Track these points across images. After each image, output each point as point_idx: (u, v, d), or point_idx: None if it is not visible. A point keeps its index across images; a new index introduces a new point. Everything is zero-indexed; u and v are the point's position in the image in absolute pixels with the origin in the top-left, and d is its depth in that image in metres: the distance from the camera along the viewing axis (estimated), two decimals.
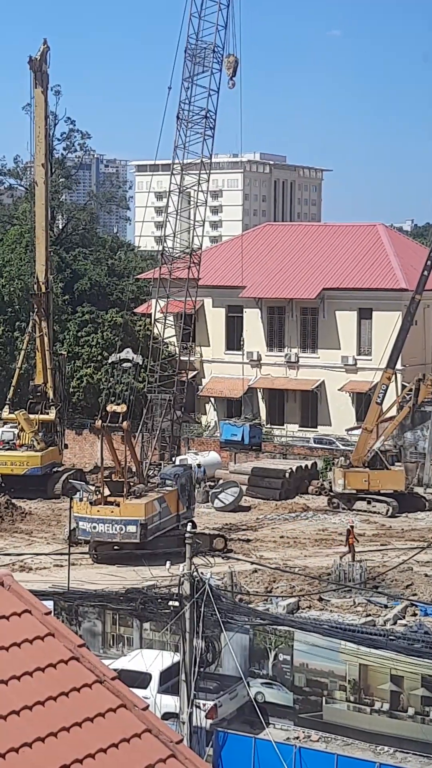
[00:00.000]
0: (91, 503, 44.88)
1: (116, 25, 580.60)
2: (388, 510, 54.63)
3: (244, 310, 74.32)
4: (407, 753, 27.59)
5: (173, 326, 57.78)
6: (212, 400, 74.36)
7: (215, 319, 75.07)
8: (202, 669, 26.57)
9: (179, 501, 47.14)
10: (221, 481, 58.41)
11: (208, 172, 52.89)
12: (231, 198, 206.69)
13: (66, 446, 62.47)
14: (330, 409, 71.34)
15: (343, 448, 63.44)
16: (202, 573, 26.73)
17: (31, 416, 58.88)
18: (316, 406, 72.06)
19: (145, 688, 27.75)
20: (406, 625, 35.14)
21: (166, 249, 53.95)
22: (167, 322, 55.53)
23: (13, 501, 54.57)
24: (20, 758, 10.51)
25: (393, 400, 58.20)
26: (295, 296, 72.21)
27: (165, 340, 56.65)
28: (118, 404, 47.05)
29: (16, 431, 59.13)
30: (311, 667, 29.13)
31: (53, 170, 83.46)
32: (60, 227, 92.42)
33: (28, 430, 58.54)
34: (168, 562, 34.38)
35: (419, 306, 57.55)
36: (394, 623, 35.58)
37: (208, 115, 52.15)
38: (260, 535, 50.38)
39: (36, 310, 60.22)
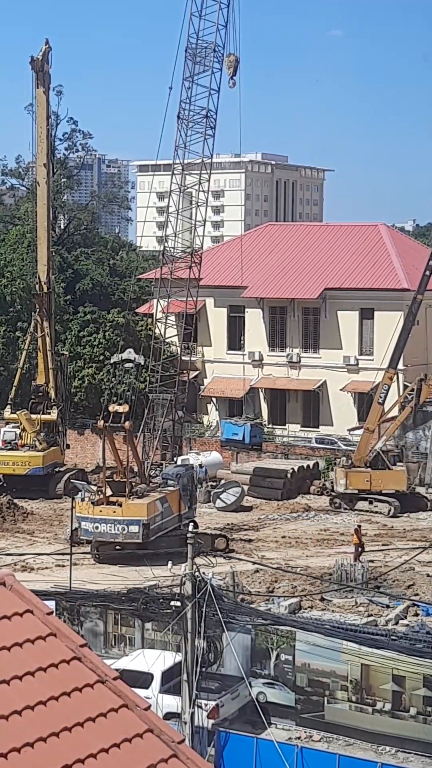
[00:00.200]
0: (93, 503, 44.87)
1: (116, 25, 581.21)
2: (389, 510, 54.62)
3: (246, 310, 74.32)
4: (409, 753, 27.59)
5: (175, 326, 57.80)
6: (214, 400, 74.36)
7: (217, 319, 75.07)
8: (203, 669, 26.57)
9: (181, 501, 47.13)
10: (223, 481, 58.40)
11: (209, 171, 52.90)
12: (233, 198, 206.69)
13: (68, 446, 62.47)
14: (332, 409, 71.33)
15: (345, 448, 63.42)
16: (203, 573, 26.72)
17: (33, 416, 58.88)
18: (318, 406, 72.05)
19: (147, 688, 27.76)
20: (407, 625, 35.12)
21: (167, 249, 53.97)
22: (168, 322, 55.55)
23: (15, 501, 54.56)
24: (22, 758, 10.52)
25: (395, 400, 58.18)
26: (297, 296, 72.20)
27: (167, 340, 56.67)
28: (120, 404, 47.04)
29: (18, 431, 59.13)
30: (313, 667, 29.13)
31: (55, 170, 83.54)
32: (62, 227, 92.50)
33: (30, 430, 58.55)
34: (170, 562, 34.42)
35: (421, 306, 57.53)
36: (396, 623, 35.56)
37: (208, 114, 52.17)
38: (262, 535, 50.36)
39: (38, 310, 60.21)
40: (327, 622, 31.27)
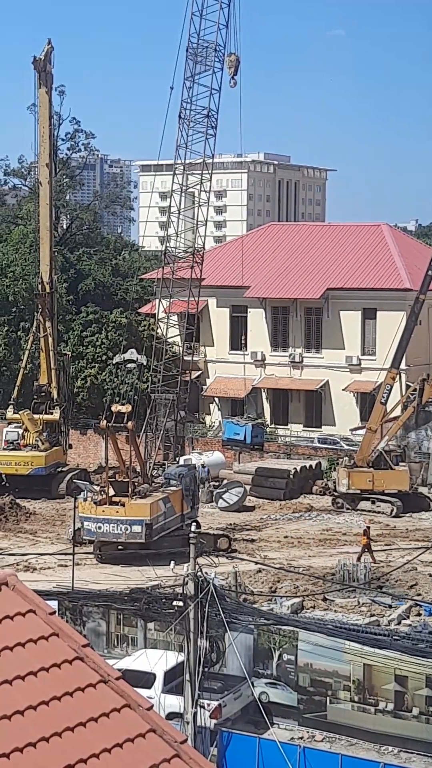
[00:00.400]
0: (95, 503, 44.88)
1: (116, 25, 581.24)
2: (392, 510, 54.60)
3: (249, 310, 74.31)
4: (411, 753, 27.58)
5: (177, 326, 57.80)
6: (216, 399, 74.37)
7: (219, 319, 75.08)
8: (206, 669, 26.58)
9: (183, 501, 47.13)
10: (225, 481, 58.41)
11: (210, 171, 52.90)
12: (235, 198, 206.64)
13: (70, 446, 62.46)
14: (334, 409, 71.33)
15: (348, 448, 63.41)
16: (206, 573, 26.74)
17: (36, 416, 58.88)
18: (321, 406, 72.05)
19: (150, 688, 27.77)
20: (410, 625, 35.10)
21: (169, 249, 53.97)
22: (171, 322, 55.55)
23: (18, 501, 54.56)
24: (24, 758, 10.53)
25: (397, 400, 58.16)
26: (300, 296, 72.20)
27: (169, 341, 56.66)
28: (123, 404, 47.04)
29: (21, 431, 59.14)
30: (315, 667, 29.13)
31: (57, 170, 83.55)
32: (64, 227, 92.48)
33: (33, 430, 58.56)
34: (172, 562, 34.44)
35: (423, 306, 57.53)
36: (399, 623, 35.54)
37: (210, 114, 52.20)
38: (264, 535, 50.35)
39: (40, 310, 60.21)
40: (329, 622, 31.28)
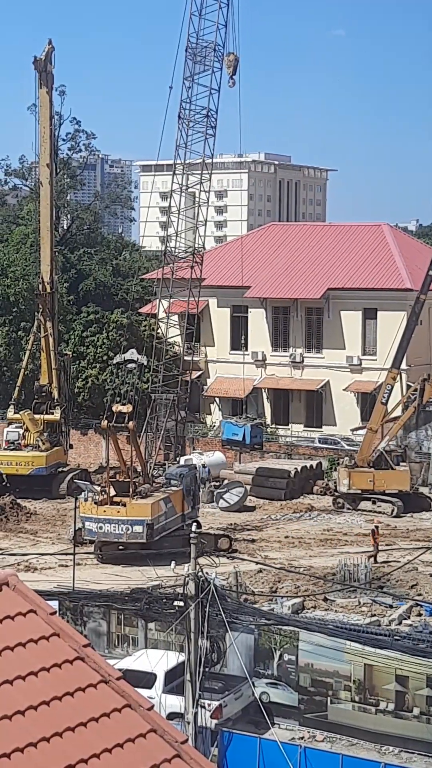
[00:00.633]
0: (97, 503, 44.89)
1: (116, 25, 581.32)
2: (393, 510, 54.61)
3: (249, 310, 74.32)
4: (412, 753, 27.58)
5: (177, 326, 57.80)
6: (217, 400, 74.37)
7: (220, 319, 75.08)
8: (207, 669, 26.58)
9: (184, 501, 47.14)
10: (226, 481, 58.41)
11: (209, 171, 52.89)
12: (236, 198, 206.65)
13: (71, 446, 62.45)
14: (335, 409, 71.32)
15: (348, 448, 63.40)
16: (206, 573, 26.73)
17: (36, 416, 58.89)
18: (321, 406, 72.05)
19: (150, 688, 27.77)
20: (411, 625, 35.13)
21: (169, 249, 53.98)
22: (171, 322, 55.55)
23: (18, 501, 54.57)
24: (25, 758, 10.53)
25: (398, 400, 58.16)
26: (300, 296, 72.20)
27: (170, 341, 56.66)
28: (124, 404, 47.05)
29: (21, 431, 59.14)
30: (316, 667, 29.13)
31: (58, 170, 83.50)
32: (65, 227, 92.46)
33: (33, 430, 58.56)
34: (173, 562, 34.38)
35: (424, 306, 57.52)
36: (399, 623, 35.56)
37: (209, 114, 52.21)
38: (265, 535, 50.36)
39: (41, 310, 60.21)
40: (330, 622, 31.28)
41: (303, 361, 72.47)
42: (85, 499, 45.31)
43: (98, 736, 11.08)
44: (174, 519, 46.26)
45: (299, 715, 29.26)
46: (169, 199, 54.04)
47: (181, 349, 56.33)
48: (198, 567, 25.59)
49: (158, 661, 28.75)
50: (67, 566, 41.35)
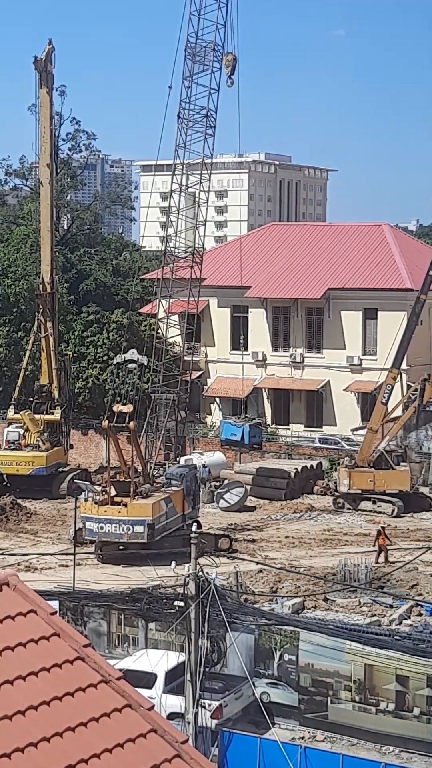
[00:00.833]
0: (96, 503, 44.88)
1: (116, 25, 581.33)
2: (393, 510, 54.60)
3: (250, 310, 74.33)
4: (412, 753, 27.58)
5: (177, 326, 57.77)
6: (217, 400, 74.38)
7: (220, 319, 75.09)
8: (207, 669, 26.58)
9: (185, 501, 47.14)
10: (226, 481, 58.41)
11: (209, 171, 52.86)
12: (236, 198, 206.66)
13: (71, 446, 62.45)
14: (335, 409, 71.33)
15: (349, 448, 63.40)
16: (207, 573, 26.73)
17: (37, 416, 58.88)
18: (322, 406, 72.05)
19: (151, 688, 27.77)
20: (411, 625, 35.13)
21: (169, 249, 53.96)
22: (171, 322, 55.51)
23: (19, 501, 54.56)
24: (25, 758, 10.53)
25: (398, 400, 58.16)
26: (301, 296, 72.20)
27: (170, 340, 56.63)
28: (125, 404, 47.04)
29: (22, 431, 59.14)
30: (316, 667, 29.13)
31: (58, 170, 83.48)
32: (65, 227, 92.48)
33: (34, 431, 58.56)
34: (173, 562, 34.39)
35: (424, 306, 57.51)
36: (400, 623, 35.56)
37: (208, 114, 52.15)
38: (265, 535, 50.36)
39: (41, 310, 60.22)
40: (330, 622, 31.28)
41: (303, 361, 72.48)
42: (86, 499, 45.30)
43: (98, 736, 11.08)
44: (174, 519, 46.26)
45: (299, 715, 29.26)
46: (168, 200, 54.02)
47: (182, 349, 56.30)
48: (198, 567, 25.59)
49: (158, 661, 28.75)
50: (67, 566, 41.35)
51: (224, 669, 30.19)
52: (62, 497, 57.14)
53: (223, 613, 26.05)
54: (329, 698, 28.95)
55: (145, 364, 54.27)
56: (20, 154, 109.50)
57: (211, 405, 74.79)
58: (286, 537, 49.73)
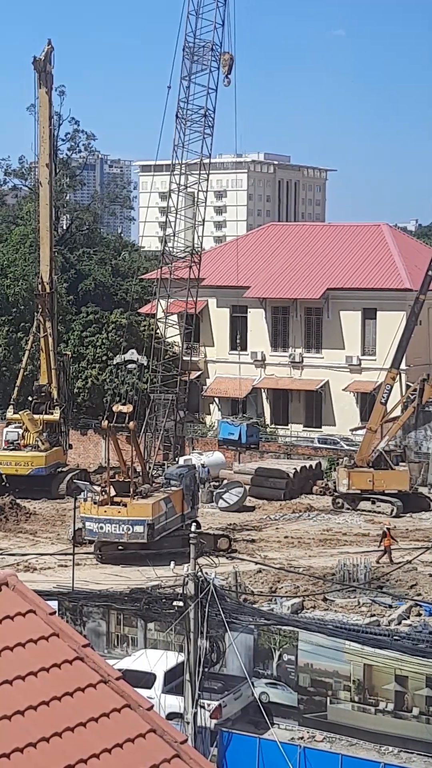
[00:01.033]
0: (95, 503, 44.88)
1: (116, 25, 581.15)
2: (392, 510, 54.60)
3: (249, 310, 74.32)
4: (412, 753, 27.59)
5: (176, 326, 57.77)
6: (216, 400, 74.37)
7: (219, 319, 75.08)
8: (206, 669, 26.58)
9: (184, 501, 47.15)
10: (225, 481, 58.41)
11: (207, 171, 52.85)
12: (235, 198, 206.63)
13: (70, 446, 62.45)
14: (334, 409, 71.32)
15: (348, 448, 63.41)
16: (206, 573, 26.73)
17: (36, 416, 58.88)
18: (321, 406, 72.05)
19: (150, 688, 27.77)
20: (410, 625, 35.12)
21: (167, 249, 53.96)
22: (170, 321, 55.53)
23: (18, 501, 54.56)
24: (25, 758, 10.53)
25: (397, 400, 58.17)
26: (300, 296, 72.20)
27: (169, 340, 56.63)
28: (124, 404, 47.03)
29: (21, 431, 59.13)
30: (316, 667, 29.13)
31: (57, 170, 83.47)
32: (64, 227, 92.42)
33: (33, 431, 58.56)
34: (172, 562, 34.44)
35: (423, 306, 57.53)
36: (399, 623, 35.56)
37: (207, 113, 52.16)
38: (264, 535, 50.36)
39: (40, 310, 60.21)
40: (330, 623, 31.28)
41: (302, 361, 72.47)
42: (85, 499, 45.30)
43: (98, 737, 11.08)
44: (174, 519, 46.27)
45: (299, 715, 29.27)
46: (167, 199, 54.03)
47: (180, 349, 56.32)
48: (197, 567, 25.59)
49: (158, 661, 28.75)
50: (66, 566, 41.35)
51: (223, 669, 30.20)
52: (61, 497, 57.13)
53: (222, 613, 26.04)
54: (328, 698, 28.95)
55: (145, 364, 54.29)
56: (19, 154, 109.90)
57: (210, 405, 74.78)
58: (285, 537, 49.73)
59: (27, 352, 62.35)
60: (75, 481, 55.29)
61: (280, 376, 73.22)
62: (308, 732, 28.87)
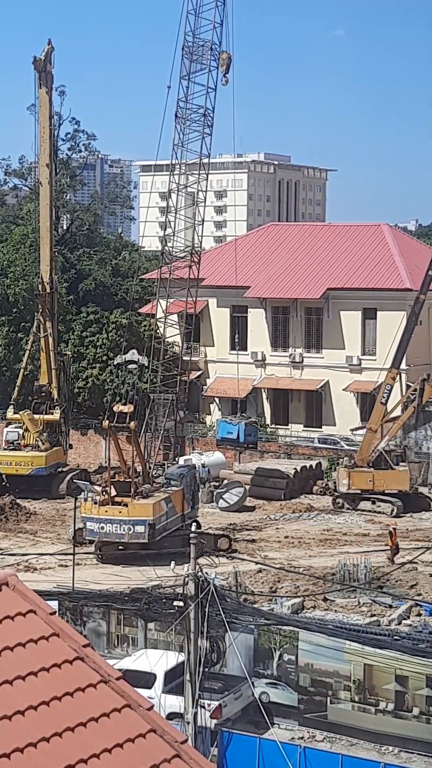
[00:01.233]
0: (96, 503, 44.88)
1: (116, 25, 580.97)
2: (392, 510, 54.60)
3: (249, 310, 74.32)
4: (412, 753, 27.59)
5: (176, 326, 57.76)
6: (217, 400, 74.37)
7: (220, 319, 75.08)
8: (206, 669, 26.58)
9: (184, 501, 47.16)
10: (226, 481, 58.41)
11: (206, 171, 52.84)
12: (235, 198, 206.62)
13: (70, 446, 62.45)
14: (334, 409, 71.32)
15: (348, 448, 63.41)
16: (206, 573, 26.74)
17: (36, 416, 58.88)
18: (321, 406, 72.05)
19: (150, 688, 27.77)
20: (410, 625, 35.13)
21: (167, 249, 53.96)
22: (170, 321, 55.51)
23: (18, 501, 54.56)
24: (25, 758, 10.53)
25: (397, 400, 58.17)
26: (300, 296, 72.20)
27: (169, 340, 56.61)
28: (125, 404, 47.03)
29: (21, 431, 59.13)
30: (316, 667, 29.14)
31: (58, 170, 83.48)
32: (64, 227, 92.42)
33: (33, 431, 58.56)
34: (172, 562, 34.41)
35: (424, 306, 57.53)
36: (399, 623, 35.56)
37: (206, 113, 52.14)
38: (265, 535, 50.36)
39: (40, 310, 60.22)
40: (330, 622, 31.29)
41: (302, 361, 72.48)
42: (85, 499, 45.30)
43: (98, 737, 11.09)
44: (174, 519, 46.28)
45: (299, 715, 29.26)
46: (167, 199, 54.02)
47: (180, 349, 56.32)
48: (198, 567, 25.59)
49: (158, 661, 28.75)
50: (66, 566, 41.35)
51: (223, 669, 30.20)
52: (61, 497, 57.13)
53: (222, 613, 26.05)
54: (328, 698, 28.95)
55: (146, 364, 54.28)
56: (19, 153, 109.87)
57: (211, 405, 74.78)
58: (286, 537, 49.74)
59: (27, 352, 62.35)
60: (75, 481, 55.31)
61: (280, 376, 73.23)
62: (308, 732, 28.87)
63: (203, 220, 53.84)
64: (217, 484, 58.25)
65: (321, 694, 29.03)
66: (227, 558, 39.63)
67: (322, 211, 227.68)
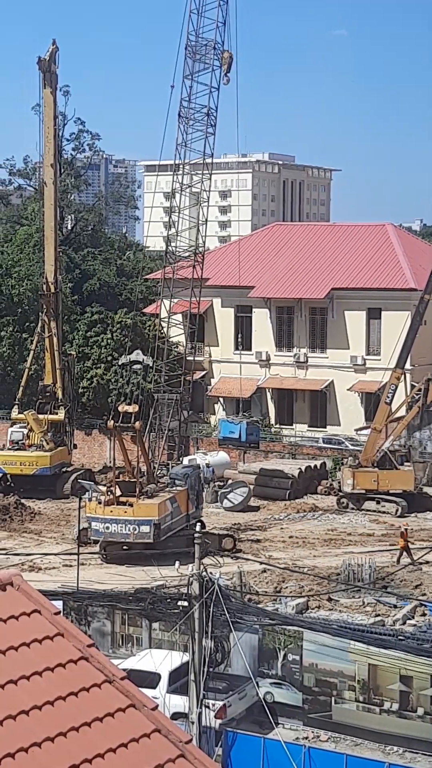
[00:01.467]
0: (100, 503, 44.89)
1: (117, 25, 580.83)
2: (397, 510, 54.60)
3: (253, 310, 74.32)
4: (416, 753, 27.56)
5: (181, 326, 57.78)
6: (221, 400, 74.37)
7: (224, 319, 75.07)
8: (211, 669, 26.58)
9: (189, 501, 47.17)
10: (230, 481, 58.41)
11: (210, 170, 52.86)
12: (240, 198, 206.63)
13: (75, 446, 62.49)
14: (339, 409, 71.31)
15: (352, 448, 63.41)
16: (211, 573, 26.73)
17: (40, 416, 58.92)
18: (325, 406, 72.03)
19: (155, 688, 27.77)
20: (415, 624, 35.11)
21: (171, 248, 53.98)
22: (174, 321, 55.53)
23: (23, 501, 54.61)
24: (29, 758, 10.54)
25: (402, 399, 58.16)
26: (304, 296, 72.19)
27: (172, 340, 56.62)
28: (130, 404, 47.05)
29: (26, 431, 59.17)
30: (320, 667, 29.12)
31: (62, 170, 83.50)
32: (69, 227, 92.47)
33: (38, 431, 58.59)
34: (177, 562, 34.36)
35: (428, 306, 57.47)
36: (404, 623, 35.55)
37: (209, 112, 52.21)
38: (269, 535, 50.36)
39: (45, 310, 60.27)
40: (334, 622, 31.27)
41: (307, 361, 72.47)
42: (89, 499, 45.32)
43: (102, 736, 11.09)
44: (179, 519, 46.31)
45: (303, 715, 29.25)
46: (170, 199, 54.05)
47: (184, 348, 56.34)
48: (202, 567, 25.59)
49: (162, 661, 28.75)
50: (71, 566, 41.34)
51: (228, 669, 30.18)
52: (66, 497, 57.17)
53: (226, 613, 26.04)
54: (333, 698, 28.94)
55: (150, 364, 54.29)
56: (24, 154, 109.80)
57: (215, 405, 74.78)
58: (290, 537, 49.74)
59: (32, 352, 62.37)
60: (80, 480, 55.30)
61: (284, 375, 73.22)
62: (313, 732, 28.86)
63: (207, 220, 53.87)
64: (221, 484, 58.25)
65: (325, 694, 29.02)
66: (232, 558, 39.62)
67: (326, 211, 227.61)
